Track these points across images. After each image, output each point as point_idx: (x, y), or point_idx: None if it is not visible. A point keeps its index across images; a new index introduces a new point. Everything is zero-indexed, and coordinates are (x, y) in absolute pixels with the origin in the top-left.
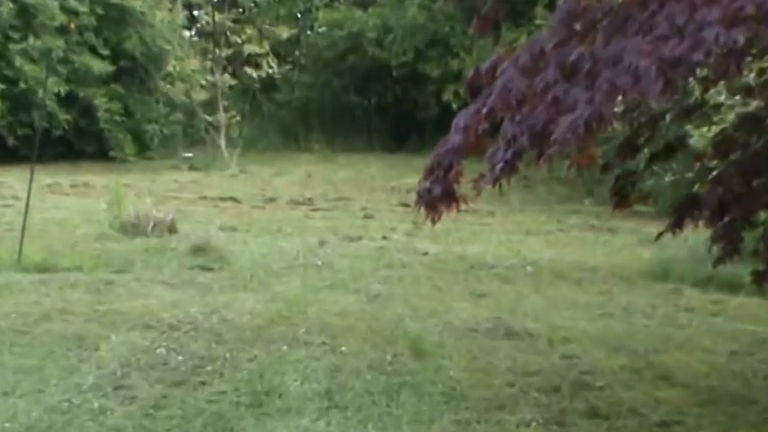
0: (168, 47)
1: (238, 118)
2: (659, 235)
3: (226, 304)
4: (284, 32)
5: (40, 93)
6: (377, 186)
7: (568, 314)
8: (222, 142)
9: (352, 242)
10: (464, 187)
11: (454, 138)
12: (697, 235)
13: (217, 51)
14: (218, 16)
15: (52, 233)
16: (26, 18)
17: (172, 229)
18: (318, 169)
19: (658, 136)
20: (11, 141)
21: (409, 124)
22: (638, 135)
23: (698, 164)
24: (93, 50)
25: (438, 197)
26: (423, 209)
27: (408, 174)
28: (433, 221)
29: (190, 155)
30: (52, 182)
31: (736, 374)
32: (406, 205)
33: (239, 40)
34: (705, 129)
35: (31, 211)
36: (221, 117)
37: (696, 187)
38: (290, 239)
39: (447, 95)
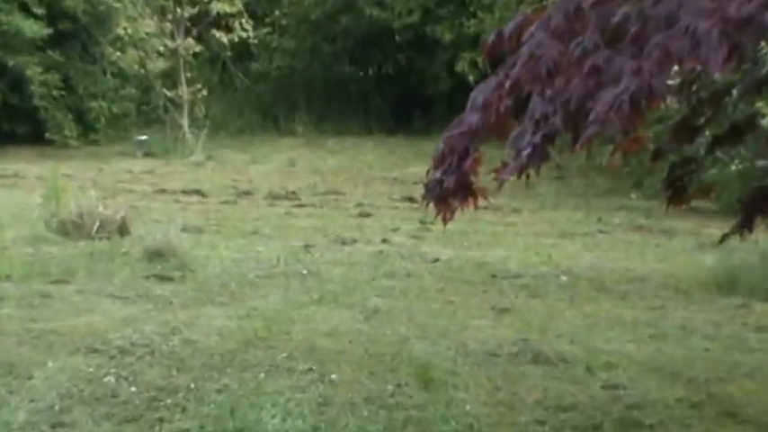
0: (117, 4)
1: (205, 93)
2: (724, 237)
3: (189, 322)
4: None
5: None
6: (375, 177)
7: (612, 335)
8: (185, 123)
9: (345, 246)
10: (483, 178)
11: (471, 117)
12: None
13: (178, 10)
14: None
15: None
16: None
17: (123, 230)
18: (304, 156)
19: (722, 115)
20: None
21: (415, 101)
22: (697, 114)
23: None
24: (24, 8)
25: (451, 190)
26: (432, 205)
27: (414, 162)
28: (445, 220)
29: (145, 138)
30: None
31: None
32: (412, 200)
33: None
34: None
35: None
36: (184, 92)
37: None
38: (268, 243)
39: (462, 65)
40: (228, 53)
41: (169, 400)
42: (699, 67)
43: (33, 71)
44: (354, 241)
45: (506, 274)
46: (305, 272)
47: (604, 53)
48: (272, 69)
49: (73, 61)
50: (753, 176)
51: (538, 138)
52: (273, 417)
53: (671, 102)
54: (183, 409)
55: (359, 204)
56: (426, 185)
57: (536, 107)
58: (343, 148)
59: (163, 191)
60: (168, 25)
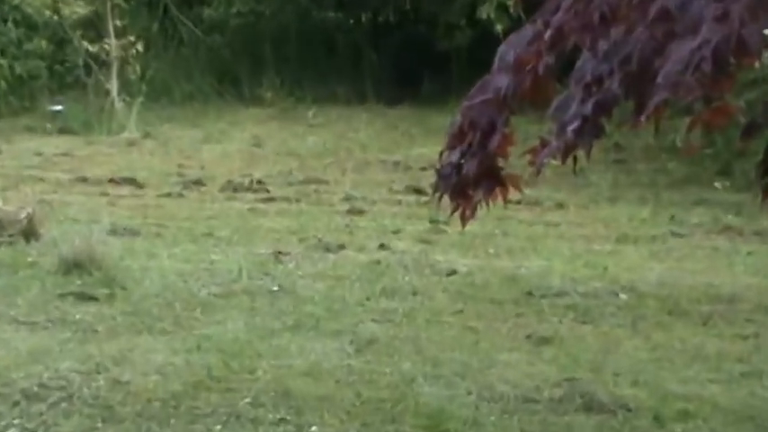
0: None
1: (140, 48)
2: None
3: (120, 357)
4: None
5: None
6: (371, 161)
7: (689, 373)
8: (113, 88)
9: (329, 253)
10: (515, 163)
11: (499, 80)
12: None
13: None
14: None
15: None
16: None
17: (30, 233)
18: (274, 133)
19: None
20: None
21: (424, 58)
22: None
23: None
24: None
25: (472, 178)
26: (446, 198)
27: (422, 140)
28: (464, 219)
29: (59, 108)
30: None
31: None
32: (419, 192)
33: None
34: None
35: None
36: (111, 46)
37: None
38: (226, 249)
39: (486, 10)
40: None
41: None
42: None
43: None
44: (342, 247)
45: (546, 291)
46: (275, 288)
47: None
48: (230, 16)
49: None
50: None
51: (588, 107)
52: None
53: None
54: None
55: (348, 198)
56: (439, 172)
57: (586, 66)
58: (328, 121)
59: (84, 180)
60: None
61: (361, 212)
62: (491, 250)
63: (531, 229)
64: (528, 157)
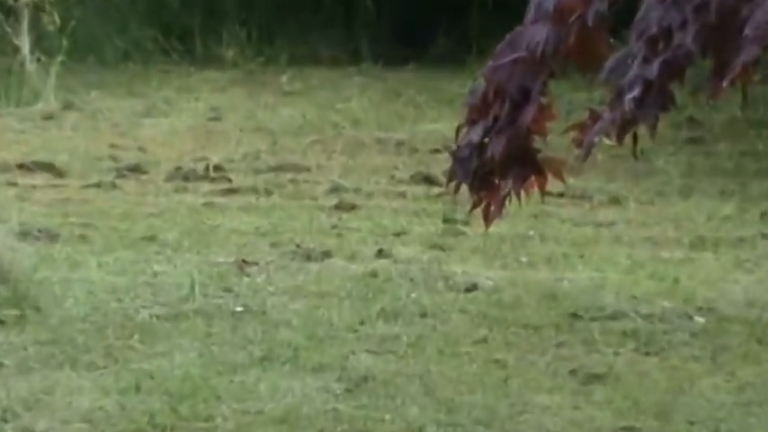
0: None
1: None
2: None
3: (33, 400)
4: None
5: None
6: (365, 141)
7: None
8: (24, 43)
9: (310, 263)
10: (555, 142)
11: (534, 33)
12: None
13: None
14: None
15: None
16: None
17: None
18: (238, 103)
19: None
20: None
21: (434, 6)
22: None
23: None
24: None
25: (499, 163)
26: (465, 190)
27: (432, 113)
28: (488, 218)
29: None
30: None
31: None
32: (430, 182)
33: None
34: None
35: None
36: None
37: None
38: (175, 258)
39: None
40: None
41: None
42: None
43: None
44: (328, 255)
45: (598, 312)
46: (239, 309)
47: None
48: None
49: None
50: None
51: (653, 68)
52: None
53: None
54: None
55: (336, 189)
56: (455, 155)
57: (650, 15)
58: (309, 88)
59: None
60: None
61: (352, 208)
62: (524, 258)
63: (576, 231)
64: (573, 134)
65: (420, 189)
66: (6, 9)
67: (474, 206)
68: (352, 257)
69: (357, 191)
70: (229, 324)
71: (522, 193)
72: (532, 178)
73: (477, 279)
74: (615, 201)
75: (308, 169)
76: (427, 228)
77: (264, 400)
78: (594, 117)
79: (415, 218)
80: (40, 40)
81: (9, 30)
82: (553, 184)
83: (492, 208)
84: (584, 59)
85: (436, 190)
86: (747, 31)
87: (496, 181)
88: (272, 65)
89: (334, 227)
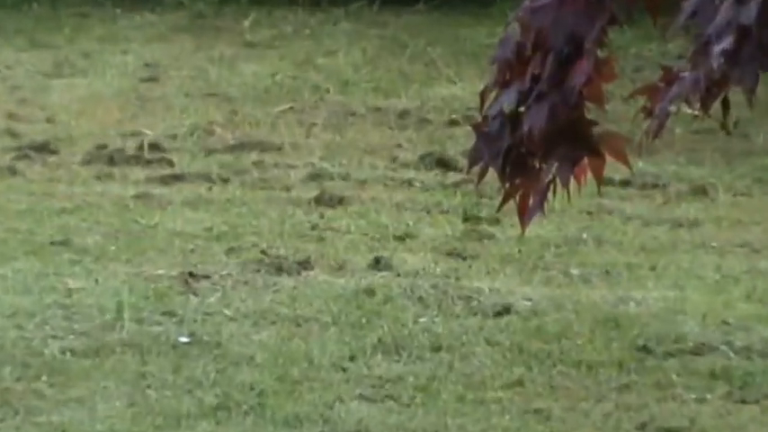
0: None
1: None
2: None
3: None
4: None
5: None
6: (356, 109)
7: None
8: None
9: (283, 277)
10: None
11: None
12: None
13: None
14: None
15: None
16: None
17: None
18: (182, 58)
19: None
20: None
21: None
22: None
23: None
24: None
25: (539, 140)
26: (493, 176)
27: (448, 71)
28: (525, 215)
29: None
30: None
31: None
32: (445, 165)
33: None
34: None
35: None
36: None
37: None
38: (96, 270)
39: None
40: None
41: None
42: None
43: None
44: (306, 266)
45: (675, 345)
46: (185, 339)
47: None
48: None
49: None
50: None
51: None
52: None
53: None
54: None
55: (316, 175)
56: (480, 129)
57: None
58: (279, 37)
59: None
60: None
61: (339, 203)
62: (575, 271)
63: (646, 234)
64: (640, 101)
65: (430, 176)
66: None
67: (505, 199)
68: (339, 269)
69: (345, 178)
70: (171, 361)
71: (572, 181)
72: (585, 161)
73: (511, 299)
74: (699, 192)
75: (278, 148)
76: (441, 229)
77: None
78: (670, 77)
79: (424, 215)
80: None
81: None
82: (614, 169)
83: (530, 202)
84: (651, 6)
85: (454, 177)
86: None
87: (536, 165)
88: (227, 6)
89: (315, 227)
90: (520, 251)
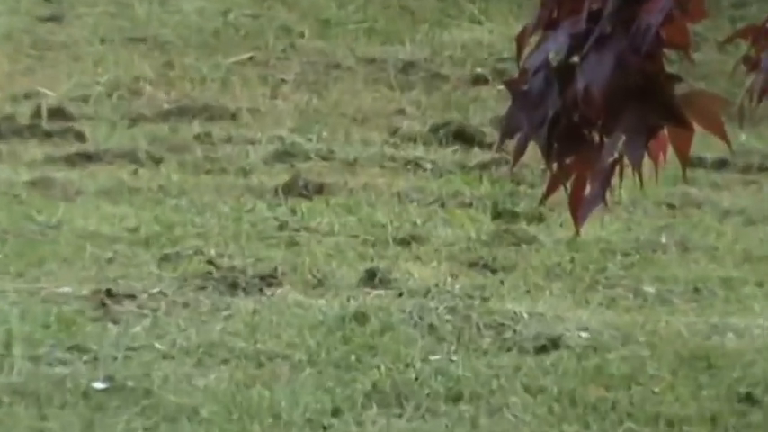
0: None
1: None
2: None
3: None
4: None
5: None
6: (340, 59)
7: None
8: None
9: (239, 296)
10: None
11: None
12: None
13: None
14: None
15: None
16: None
17: None
18: None
19: None
20: None
21: None
22: None
23: None
24: None
25: (601, 104)
26: (534, 153)
27: (468, 8)
28: (578, 209)
29: None
30: None
31: None
32: (466, 141)
33: None
34: None
35: None
36: None
37: None
38: None
39: None
40: None
41: None
42: None
43: None
44: (271, 281)
45: None
46: (100, 385)
47: None
48: None
49: None
50: None
51: None
52: None
53: None
54: None
55: (286, 154)
56: (516, 88)
57: None
58: None
59: None
60: None
61: (319, 192)
62: (648, 288)
63: (751, 235)
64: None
65: (447, 155)
66: None
67: (552, 187)
68: (317, 286)
69: (327, 158)
70: (80, 414)
71: (646, 161)
72: (664, 133)
73: (559, 329)
74: None
75: (232, 116)
76: (462, 229)
77: None
78: None
79: (438, 211)
80: None
81: None
82: (705, 145)
83: (587, 191)
84: None
85: (479, 156)
86: None
87: (595, 138)
88: None
89: (284, 227)
90: (572, 260)
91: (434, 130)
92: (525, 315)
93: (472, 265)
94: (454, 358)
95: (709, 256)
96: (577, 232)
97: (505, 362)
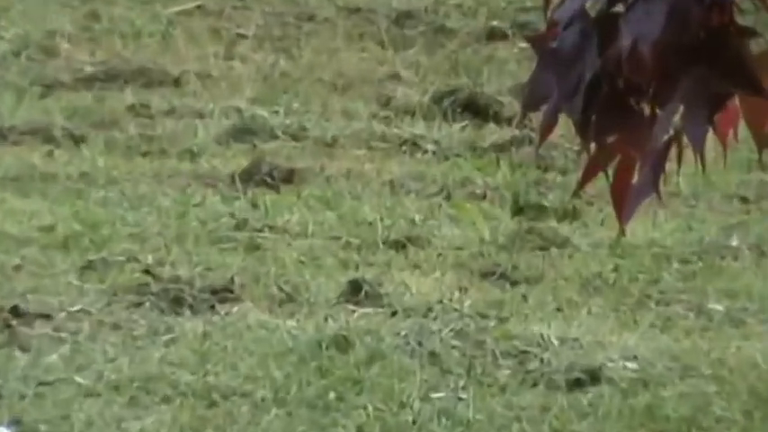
0: None
1: None
2: None
3: None
4: None
5: None
6: (312, 6)
7: None
8: None
9: (183, 315)
10: None
11: None
12: None
13: None
14: None
15: None
16: None
17: None
18: None
19: None
20: None
21: None
22: None
23: None
24: None
25: (653, 66)
26: (565, 128)
27: None
28: (623, 202)
29: None
30: None
31: None
32: (477, 114)
33: None
34: None
35: None
36: None
37: None
38: None
39: None
40: None
41: None
42: None
43: None
44: (225, 296)
45: None
46: (4, 430)
47: None
48: None
49: None
50: None
51: None
52: None
53: None
54: None
55: (245, 130)
56: (541, 45)
57: None
58: None
59: None
60: None
61: (288, 180)
62: (715, 305)
63: None
64: None
65: (454, 132)
66: None
67: (588, 173)
68: (286, 302)
69: (298, 136)
70: None
71: (711, 139)
72: (735, 102)
73: (599, 357)
74: None
75: (175, 81)
76: (473, 228)
77: None
78: None
79: (441, 204)
80: None
81: None
82: None
83: (635, 178)
84: None
85: (495, 134)
86: None
87: (646, 110)
88: None
89: (243, 226)
90: (616, 269)
91: (437, 100)
92: (555, 340)
93: (486, 275)
94: (463, 396)
95: None
96: (622, 232)
97: (529, 401)
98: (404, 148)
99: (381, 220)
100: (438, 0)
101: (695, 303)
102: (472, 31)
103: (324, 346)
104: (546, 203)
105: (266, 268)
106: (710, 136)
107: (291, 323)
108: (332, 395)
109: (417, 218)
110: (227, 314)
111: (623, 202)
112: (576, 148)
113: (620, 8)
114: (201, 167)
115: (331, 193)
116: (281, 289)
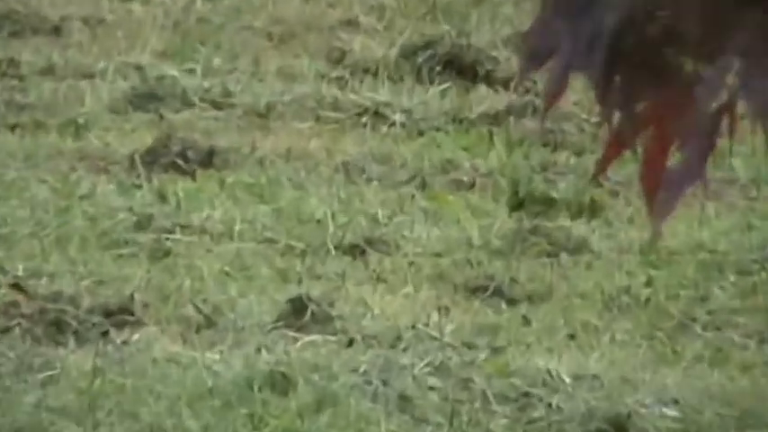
0: None
1: None
2: None
3: None
4: None
5: None
6: None
7: None
8: None
9: (66, 346)
10: None
11: None
12: None
13: None
14: None
15: None
16: None
17: None
18: None
19: None
20: None
21: None
22: None
23: None
24: None
25: (683, 12)
26: (581, 99)
27: None
28: (654, 190)
29: None
30: None
31: None
32: (464, 75)
33: None
34: None
35: None
36: None
37: None
38: None
39: None
40: None
41: None
42: None
43: None
44: (122, 320)
45: None
46: None
47: None
48: None
49: None
50: None
51: None
52: None
53: None
54: None
55: (151, 96)
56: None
57: None
58: None
59: None
60: None
61: (207, 164)
62: None
63: None
64: None
65: (432, 97)
66: None
67: (611, 153)
68: (204, 328)
69: (220, 103)
70: None
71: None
72: None
73: (628, 400)
74: None
75: (55, 29)
76: (459, 228)
77: None
78: None
79: (415, 193)
80: None
81: None
82: None
83: (673, 159)
84: None
85: (488, 100)
86: None
87: (688, 67)
88: None
89: (146, 224)
90: (649, 283)
91: (408, 54)
92: (567, 378)
93: (475, 290)
94: None
95: None
96: (658, 233)
97: None
98: (363, 119)
99: (333, 216)
100: None
101: (756, 329)
102: None
103: (256, 386)
104: (555, 194)
105: (178, 282)
106: None
107: (212, 356)
108: None
109: (381, 214)
110: (124, 343)
111: (658, 193)
112: (594, 119)
113: None
114: (90, 145)
115: (265, 181)
116: (197, 310)
